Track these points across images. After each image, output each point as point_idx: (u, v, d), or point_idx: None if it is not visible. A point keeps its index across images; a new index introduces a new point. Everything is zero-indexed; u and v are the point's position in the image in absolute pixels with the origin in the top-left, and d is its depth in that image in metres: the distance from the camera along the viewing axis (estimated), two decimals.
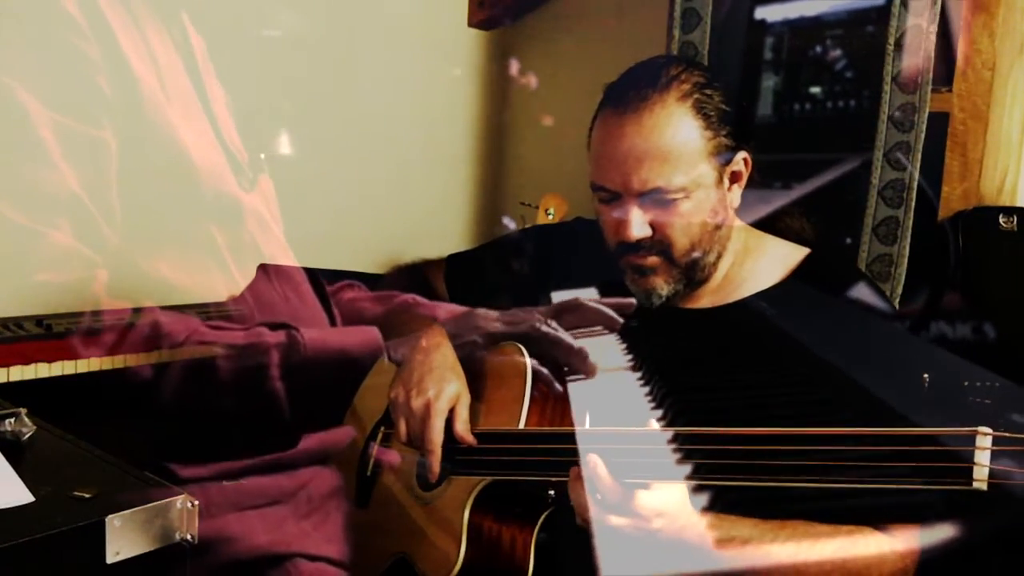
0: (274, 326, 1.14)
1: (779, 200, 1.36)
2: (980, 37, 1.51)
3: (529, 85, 1.91)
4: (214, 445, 1.15)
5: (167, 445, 1.16)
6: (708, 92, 1.10)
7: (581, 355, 1.11)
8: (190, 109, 1.27)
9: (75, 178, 1.15)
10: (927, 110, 1.53)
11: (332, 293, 1.38)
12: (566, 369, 1.13)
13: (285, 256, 1.37)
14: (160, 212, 1.25)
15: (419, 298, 1.35)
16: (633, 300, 1.16)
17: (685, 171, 1.07)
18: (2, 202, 1.12)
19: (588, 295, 1.24)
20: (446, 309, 1.29)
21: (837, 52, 1.59)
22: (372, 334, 1.14)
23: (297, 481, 1.16)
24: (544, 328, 1.13)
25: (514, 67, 2.05)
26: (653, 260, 1.13)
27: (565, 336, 1.13)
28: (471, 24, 2.19)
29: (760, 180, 1.19)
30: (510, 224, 1.83)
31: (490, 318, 1.18)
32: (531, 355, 1.11)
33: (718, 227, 1.13)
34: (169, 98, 1.22)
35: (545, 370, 1.11)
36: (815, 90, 1.64)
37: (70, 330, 1.17)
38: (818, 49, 1.62)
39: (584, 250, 1.34)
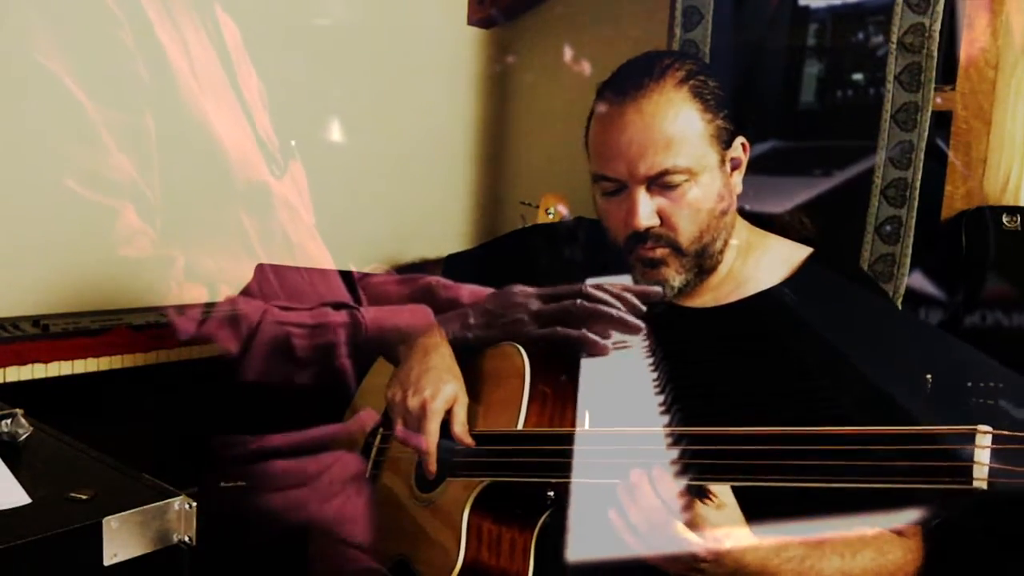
0: (337, 306, 1.21)
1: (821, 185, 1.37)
2: (984, 36, 1.51)
3: (584, 72, 1.86)
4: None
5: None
6: (702, 78, 1.10)
7: (624, 322, 1.10)
8: (222, 97, 1.32)
9: (129, 164, 1.22)
10: (930, 109, 1.53)
11: (360, 277, 1.41)
12: (607, 336, 1.11)
13: (314, 243, 1.42)
14: (193, 199, 1.29)
15: (443, 280, 1.35)
16: (659, 288, 1.13)
17: (689, 154, 1.08)
18: (72, 182, 1.18)
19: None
20: (470, 290, 1.29)
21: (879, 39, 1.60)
22: (424, 312, 1.19)
23: (321, 465, 1.19)
24: (587, 305, 1.12)
25: (567, 54, 2.01)
26: (662, 251, 1.12)
27: (608, 308, 1.11)
28: (471, 22, 2.19)
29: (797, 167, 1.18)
30: (564, 212, 1.82)
31: (529, 294, 1.17)
32: (573, 326, 1.11)
33: (724, 213, 1.13)
34: (201, 86, 1.26)
35: (545, 369, 1.10)
36: (858, 76, 1.66)
37: (67, 330, 1.18)
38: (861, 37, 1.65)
39: (586, 249, 1.34)
